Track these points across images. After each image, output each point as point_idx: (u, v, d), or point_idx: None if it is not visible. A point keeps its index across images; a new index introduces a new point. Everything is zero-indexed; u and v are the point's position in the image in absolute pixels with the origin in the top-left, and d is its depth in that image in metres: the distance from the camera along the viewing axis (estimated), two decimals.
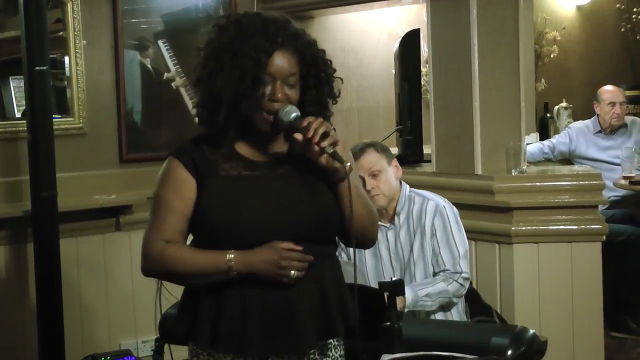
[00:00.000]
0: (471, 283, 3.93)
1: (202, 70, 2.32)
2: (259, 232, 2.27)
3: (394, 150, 4.95)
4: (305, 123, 2.26)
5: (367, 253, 3.80)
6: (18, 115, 4.73)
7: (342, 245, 3.82)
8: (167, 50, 4.97)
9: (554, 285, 4.30)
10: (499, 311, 4.01)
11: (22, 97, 4.52)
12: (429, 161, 4.68)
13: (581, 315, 4.31)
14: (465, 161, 4.41)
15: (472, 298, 3.87)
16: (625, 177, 5.52)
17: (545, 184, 4.35)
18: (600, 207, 4.63)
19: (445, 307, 3.70)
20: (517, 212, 4.27)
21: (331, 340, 2.43)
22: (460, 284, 3.67)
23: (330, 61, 2.43)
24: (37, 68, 4.08)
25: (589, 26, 7.48)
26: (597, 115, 6.11)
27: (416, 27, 5.01)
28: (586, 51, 7.47)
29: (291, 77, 2.32)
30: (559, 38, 6.73)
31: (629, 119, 6.20)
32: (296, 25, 2.40)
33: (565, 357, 4.27)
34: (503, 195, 4.29)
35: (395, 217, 3.77)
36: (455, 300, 3.70)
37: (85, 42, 4.69)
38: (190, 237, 2.39)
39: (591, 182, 4.35)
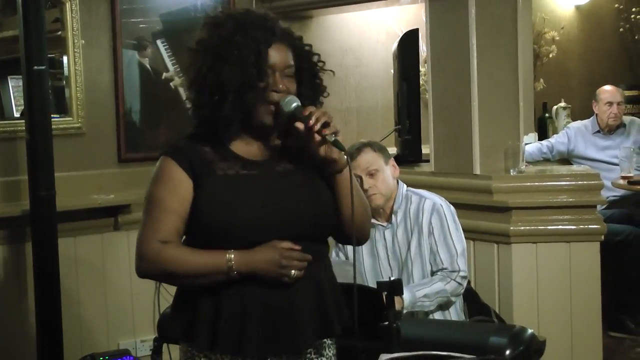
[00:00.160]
0: (469, 283, 3.93)
1: (201, 66, 2.31)
2: (259, 232, 2.27)
3: (393, 149, 4.96)
4: (307, 112, 2.28)
5: (365, 252, 3.80)
6: (16, 114, 4.73)
7: (340, 245, 3.86)
8: (165, 49, 4.96)
9: (552, 285, 4.30)
10: (497, 311, 4.01)
11: (20, 97, 4.51)
12: (428, 161, 4.68)
13: (580, 315, 4.31)
14: (464, 161, 4.41)
15: (471, 298, 3.87)
16: (623, 177, 5.53)
17: (544, 183, 4.35)
18: (599, 207, 4.63)
19: (444, 306, 3.70)
20: (515, 212, 4.27)
21: (326, 339, 2.44)
22: (458, 283, 3.67)
23: (319, 54, 2.44)
24: (36, 68, 4.07)
25: (587, 26, 7.48)
26: (596, 115, 6.12)
27: (415, 27, 5.01)
28: (585, 51, 7.48)
29: (288, 69, 2.34)
30: (557, 38, 6.74)
31: (627, 118, 6.21)
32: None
33: (563, 357, 4.27)
34: (501, 195, 4.29)
35: (393, 216, 3.77)
36: (453, 299, 3.70)
37: (83, 41, 4.68)
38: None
39: (590, 182, 4.35)
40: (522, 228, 4.26)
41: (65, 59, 4.66)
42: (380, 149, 3.79)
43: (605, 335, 4.78)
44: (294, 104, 2.29)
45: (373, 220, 3.82)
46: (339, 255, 3.89)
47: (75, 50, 4.65)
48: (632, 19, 7.44)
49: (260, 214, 2.28)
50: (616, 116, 6.03)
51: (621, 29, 7.54)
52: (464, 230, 3.79)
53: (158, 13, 4.96)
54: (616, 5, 7.54)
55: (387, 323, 2.63)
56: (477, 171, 4.38)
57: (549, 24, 6.79)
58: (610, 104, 6.03)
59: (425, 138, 4.77)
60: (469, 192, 4.36)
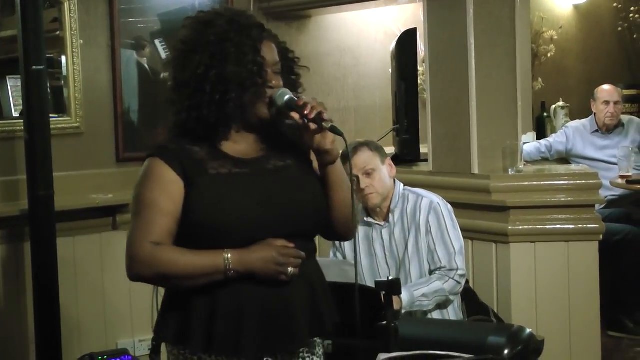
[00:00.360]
0: (468, 282, 3.94)
1: (197, 66, 2.28)
2: (254, 230, 2.26)
3: (391, 149, 4.96)
4: (301, 102, 2.29)
5: (362, 252, 3.81)
6: (15, 114, 4.72)
7: (337, 244, 3.86)
8: (163, 49, 4.96)
9: (550, 285, 4.30)
10: (495, 310, 4.01)
11: (19, 97, 4.51)
12: (426, 160, 4.68)
13: (578, 315, 4.31)
14: (462, 160, 4.41)
15: (469, 297, 3.88)
16: (622, 177, 5.53)
17: (542, 183, 4.35)
18: (597, 207, 4.64)
19: (442, 305, 3.70)
20: (513, 212, 4.27)
21: (316, 338, 2.43)
22: (457, 282, 3.67)
23: (294, 51, 2.47)
24: (34, 67, 4.07)
25: (586, 25, 7.48)
26: (594, 114, 6.12)
27: (413, 27, 5.02)
28: (583, 50, 7.48)
29: (276, 66, 2.36)
30: (555, 37, 6.73)
31: (625, 118, 6.21)
32: None
33: (562, 357, 4.27)
34: (500, 194, 4.29)
35: (390, 215, 3.77)
36: (452, 298, 3.71)
37: (82, 41, 4.68)
38: None
39: (588, 182, 4.35)
40: (521, 227, 4.26)
41: (63, 58, 4.66)
42: (377, 149, 3.80)
43: (603, 335, 4.78)
44: (287, 96, 2.31)
45: (370, 220, 3.83)
46: (336, 255, 3.89)
47: (74, 50, 4.65)
48: (631, 19, 7.44)
49: (255, 212, 2.27)
50: (613, 115, 6.03)
51: (619, 29, 7.54)
52: (462, 229, 3.79)
53: (156, 13, 4.96)
54: (614, 5, 7.54)
55: (385, 322, 2.63)
56: (476, 171, 4.38)
57: (547, 24, 6.79)
58: (607, 103, 6.03)
59: (423, 137, 4.78)
60: (467, 192, 4.36)
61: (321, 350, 2.47)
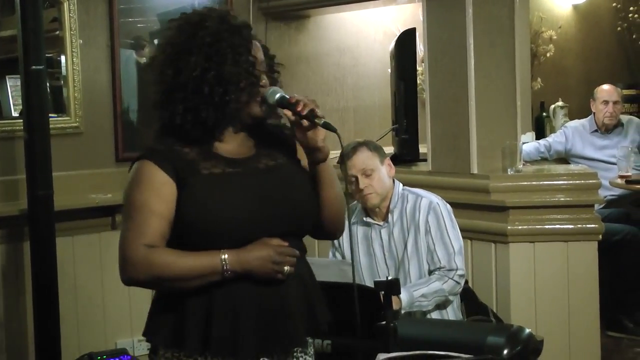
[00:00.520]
0: (467, 282, 3.94)
1: (193, 68, 2.26)
2: (249, 230, 2.25)
3: (390, 149, 4.96)
4: (293, 100, 2.29)
5: (361, 252, 3.81)
6: (15, 114, 4.72)
7: (336, 244, 3.86)
8: None
9: (550, 285, 4.30)
10: (495, 310, 4.01)
11: (18, 96, 4.51)
12: (425, 160, 4.68)
13: (577, 315, 4.31)
14: (461, 160, 4.41)
15: (468, 297, 3.88)
16: (621, 176, 5.53)
17: (541, 183, 4.35)
18: (597, 207, 4.64)
19: (441, 305, 3.70)
20: (513, 211, 4.26)
21: (309, 337, 2.43)
22: (456, 282, 3.67)
23: (269, 49, 2.48)
24: (34, 67, 4.07)
25: (585, 25, 7.48)
26: (594, 114, 6.12)
27: (412, 26, 5.02)
28: (582, 50, 7.48)
29: (262, 64, 2.36)
30: (555, 37, 6.73)
31: (625, 118, 6.21)
32: None
33: (561, 357, 4.27)
34: (499, 194, 4.29)
35: (389, 215, 3.77)
36: (451, 298, 3.71)
37: (81, 41, 4.68)
38: None
39: (587, 182, 4.35)
40: (520, 227, 4.26)
41: (63, 58, 4.67)
42: (376, 148, 3.79)
43: (603, 335, 4.77)
44: (279, 94, 2.31)
45: (369, 220, 3.83)
46: (335, 255, 3.89)
47: (73, 49, 4.65)
48: (630, 18, 7.43)
49: (250, 211, 2.25)
50: (611, 115, 6.03)
51: (619, 28, 7.53)
52: (461, 229, 3.79)
53: (155, 13, 4.96)
54: (614, 5, 7.53)
55: (384, 323, 2.63)
56: (475, 170, 4.37)
57: (547, 23, 6.79)
58: (607, 102, 6.03)
59: (422, 137, 4.78)
60: (466, 192, 4.36)
61: (312, 350, 2.47)
